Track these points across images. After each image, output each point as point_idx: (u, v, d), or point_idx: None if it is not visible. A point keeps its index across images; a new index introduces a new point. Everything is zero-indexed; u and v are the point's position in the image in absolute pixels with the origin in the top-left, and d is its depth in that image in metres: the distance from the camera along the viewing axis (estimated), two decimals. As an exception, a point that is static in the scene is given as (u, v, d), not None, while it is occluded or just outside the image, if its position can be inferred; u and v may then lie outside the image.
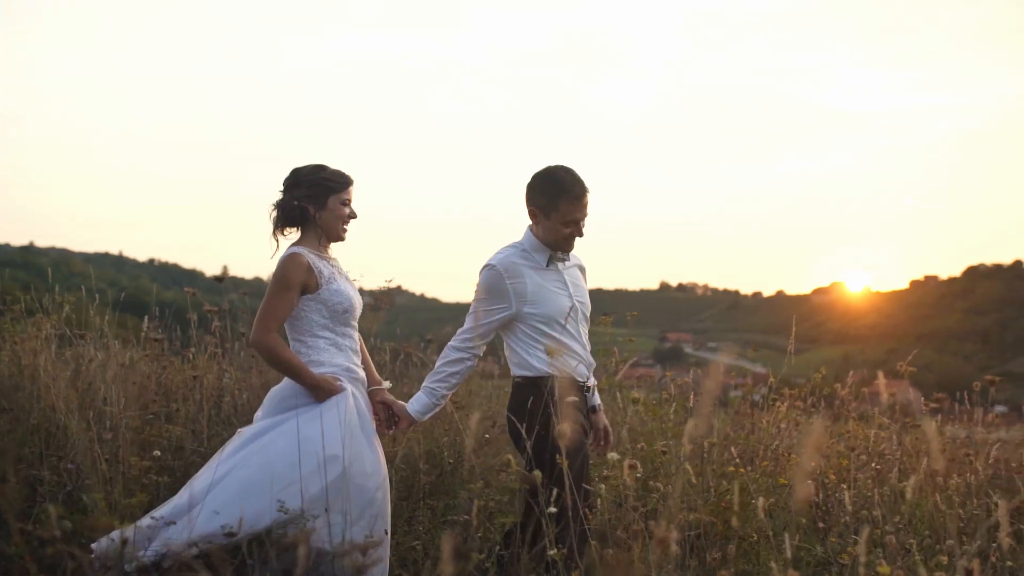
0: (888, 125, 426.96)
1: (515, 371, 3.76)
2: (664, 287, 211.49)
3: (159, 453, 4.22)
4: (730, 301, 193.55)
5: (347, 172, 3.70)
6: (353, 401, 3.51)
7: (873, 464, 4.80)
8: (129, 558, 3.06)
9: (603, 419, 3.93)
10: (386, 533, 3.46)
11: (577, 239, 3.77)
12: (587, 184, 3.72)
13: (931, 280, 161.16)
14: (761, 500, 1.83)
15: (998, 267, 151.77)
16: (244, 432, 3.56)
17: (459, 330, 3.81)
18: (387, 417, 3.74)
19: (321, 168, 3.65)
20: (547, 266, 3.73)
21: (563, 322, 3.70)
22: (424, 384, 3.79)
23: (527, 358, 3.71)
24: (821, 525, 4.13)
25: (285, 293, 3.49)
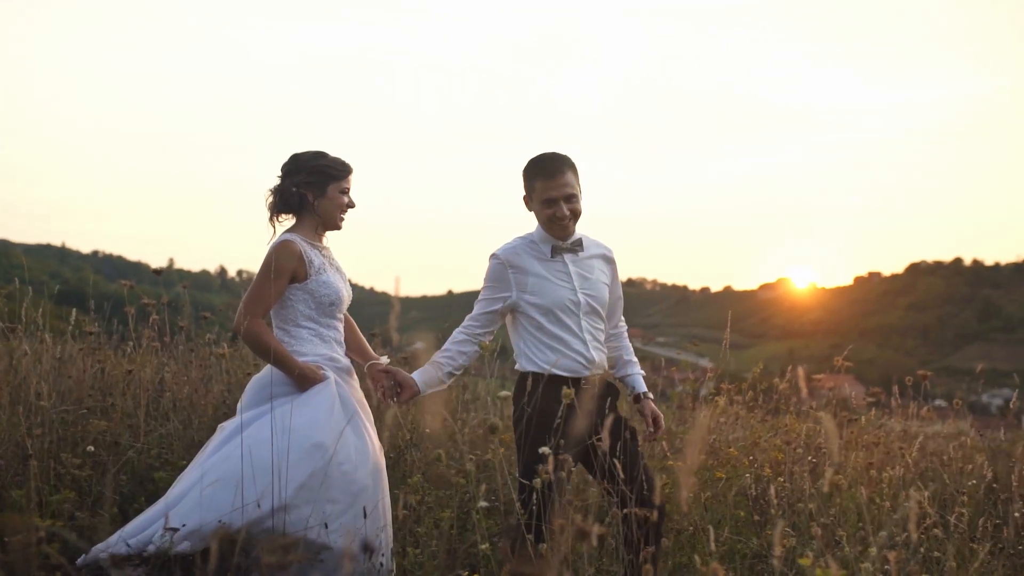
0: (835, 123, 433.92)
1: (516, 362, 3.76)
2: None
3: (92, 449, 4.15)
4: (678, 296, 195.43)
5: (347, 160, 3.64)
6: (336, 389, 3.46)
7: (809, 458, 4.88)
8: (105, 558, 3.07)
9: (650, 406, 3.77)
10: (385, 526, 3.42)
11: (563, 227, 3.61)
12: (568, 162, 3.60)
13: (875, 276, 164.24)
14: (684, 493, 1.85)
15: (939, 264, 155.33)
16: (225, 427, 3.53)
17: (467, 316, 3.78)
18: (391, 386, 3.62)
19: (322, 155, 3.60)
20: (552, 256, 3.66)
21: (560, 314, 3.62)
22: (432, 358, 3.71)
23: (525, 350, 3.68)
24: (757, 518, 4.18)
25: (274, 281, 3.43)
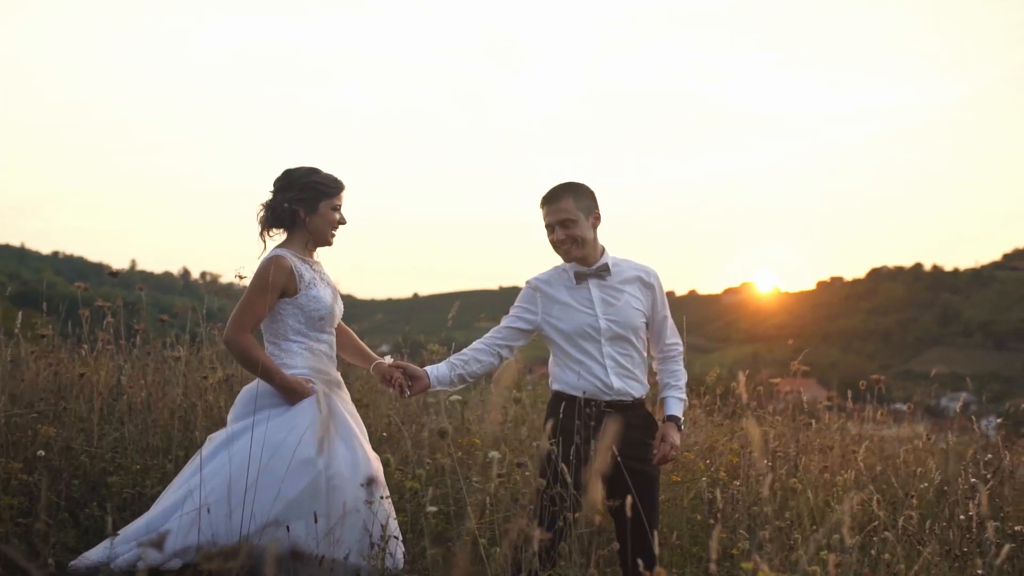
0: (798, 128, 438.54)
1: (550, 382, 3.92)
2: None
3: (43, 453, 4.10)
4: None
5: (339, 177, 3.68)
6: (326, 402, 3.48)
7: (765, 461, 4.92)
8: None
9: (664, 429, 3.76)
10: (397, 539, 3.41)
11: (565, 251, 3.73)
12: (571, 188, 3.72)
13: (837, 281, 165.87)
14: (629, 498, 1.87)
15: (900, 269, 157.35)
16: (215, 438, 3.53)
17: (492, 328, 3.91)
18: (402, 379, 3.64)
19: (314, 171, 3.62)
20: (578, 283, 3.77)
21: (580, 340, 3.73)
22: (448, 359, 3.81)
23: (553, 370, 3.85)
24: (712, 522, 4.21)
25: (264, 295, 3.46)
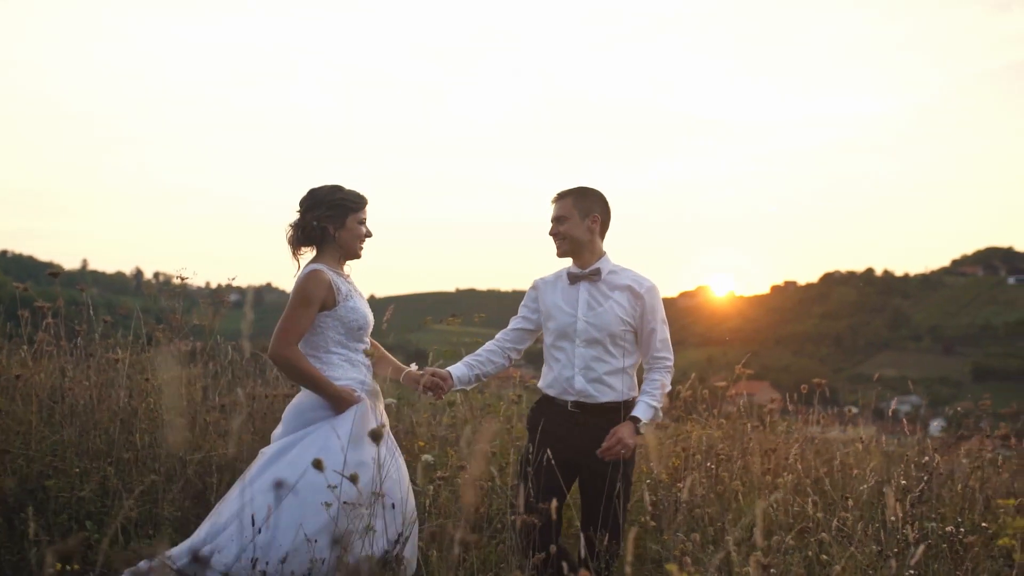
0: (752, 135, 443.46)
1: None
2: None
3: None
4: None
5: (362, 192, 3.82)
6: (371, 413, 3.64)
7: (708, 464, 4.98)
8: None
9: (621, 428, 3.83)
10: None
11: (557, 245, 4.02)
12: (574, 192, 4.00)
13: (791, 285, 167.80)
14: (555, 501, 1.88)
15: (852, 274, 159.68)
16: (266, 452, 3.58)
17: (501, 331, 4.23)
18: (431, 382, 3.87)
19: (338, 188, 3.77)
20: (571, 284, 4.00)
21: (561, 339, 3.95)
22: (464, 359, 4.11)
23: (543, 368, 4.09)
24: (653, 524, 4.25)
25: (306, 308, 3.59)
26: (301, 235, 3.77)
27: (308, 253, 3.81)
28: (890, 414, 5.22)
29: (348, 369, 3.68)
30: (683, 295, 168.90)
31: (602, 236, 4.05)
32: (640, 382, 4.03)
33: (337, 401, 3.57)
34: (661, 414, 3.86)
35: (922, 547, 2.44)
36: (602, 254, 4.01)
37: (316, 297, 3.60)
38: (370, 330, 3.83)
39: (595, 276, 3.94)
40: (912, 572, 3.43)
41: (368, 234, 3.84)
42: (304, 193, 3.80)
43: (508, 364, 4.18)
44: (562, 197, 4.00)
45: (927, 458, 4.77)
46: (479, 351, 4.13)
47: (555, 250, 4.05)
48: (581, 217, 3.94)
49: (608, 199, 4.07)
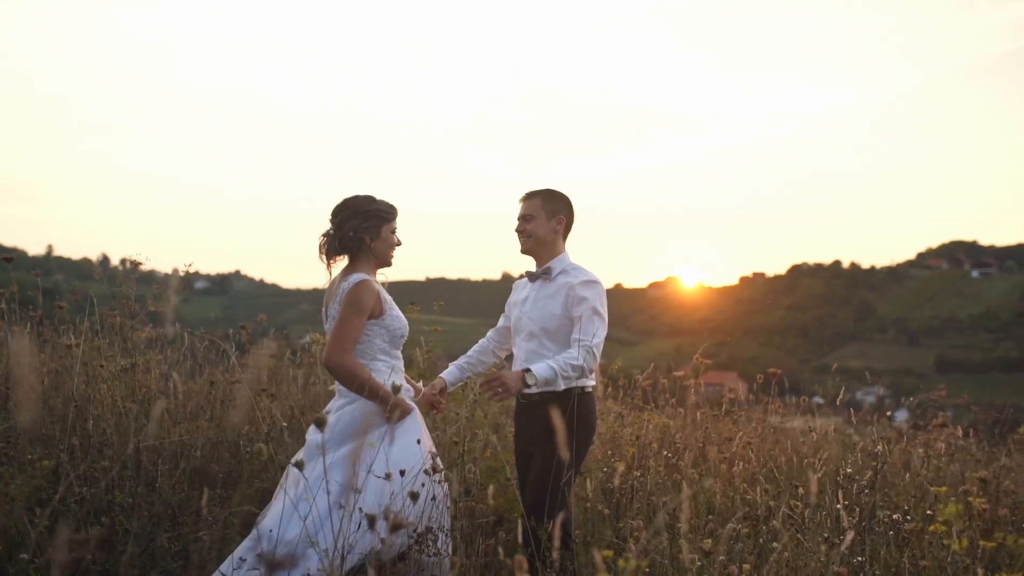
0: (720, 128, 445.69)
1: None
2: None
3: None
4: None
5: (392, 202, 3.93)
6: (420, 422, 3.76)
7: (664, 452, 5.02)
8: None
9: (508, 372, 3.84)
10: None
11: (521, 242, 4.14)
12: (540, 193, 4.12)
13: (759, 277, 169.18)
14: (492, 487, 1.88)
15: (819, 266, 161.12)
16: (327, 455, 3.58)
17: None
18: (429, 400, 4.12)
19: (371, 199, 3.86)
20: (531, 282, 4.14)
21: (514, 334, 4.16)
22: (457, 361, 4.35)
23: None
24: (607, 512, 4.28)
25: (359, 317, 3.68)
26: (337, 244, 3.84)
27: (340, 262, 3.90)
28: (839, 402, 5.26)
29: (393, 376, 3.77)
30: (652, 285, 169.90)
31: (564, 237, 4.18)
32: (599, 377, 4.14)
33: (394, 408, 3.65)
34: (562, 382, 3.79)
35: (851, 533, 2.47)
36: (561, 253, 4.13)
37: (368, 306, 3.70)
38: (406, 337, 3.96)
39: (546, 275, 4.07)
40: (859, 559, 3.48)
41: (399, 242, 3.94)
42: (338, 203, 3.88)
43: (498, 361, 4.37)
44: (531, 197, 4.12)
45: (879, 448, 4.84)
46: (470, 352, 4.35)
47: (519, 246, 4.18)
48: (547, 217, 4.09)
49: (573, 202, 4.20)
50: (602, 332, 3.92)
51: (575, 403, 3.86)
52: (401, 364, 3.90)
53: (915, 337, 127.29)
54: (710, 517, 4.68)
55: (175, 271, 5.02)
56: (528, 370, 3.76)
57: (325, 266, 3.88)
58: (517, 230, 4.14)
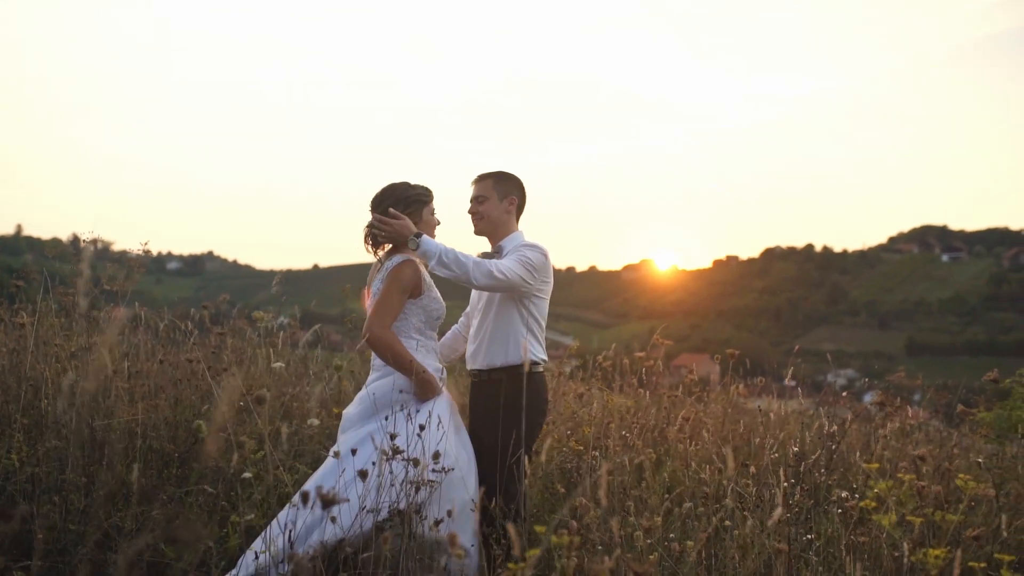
0: (695, 113, 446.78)
1: None
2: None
3: None
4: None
5: (427, 185, 4.09)
6: (447, 403, 3.90)
7: (623, 432, 5.04)
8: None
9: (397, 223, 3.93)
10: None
11: (475, 223, 4.21)
12: (492, 175, 4.17)
13: (732, 260, 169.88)
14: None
15: (792, 250, 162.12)
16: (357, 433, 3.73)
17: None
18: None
19: (408, 185, 4.01)
20: None
21: (472, 314, 4.29)
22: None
23: None
24: (563, 491, 4.31)
25: (401, 295, 3.84)
26: (384, 233, 3.95)
27: (386, 247, 4.06)
28: (788, 381, 5.32)
29: (425, 355, 3.91)
30: (627, 268, 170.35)
31: (518, 217, 4.22)
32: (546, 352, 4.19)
33: (425, 386, 3.79)
34: (436, 264, 3.79)
35: (779, 509, 2.51)
36: (514, 232, 4.18)
37: (410, 285, 3.85)
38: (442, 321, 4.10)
39: (497, 253, 4.11)
40: (808, 536, 3.53)
41: (438, 222, 4.09)
42: (376, 194, 4.02)
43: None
44: (482, 179, 4.17)
45: (835, 428, 4.90)
46: (443, 339, 4.43)
47: (472, 228, 4.21)
48: (500, 198, 4.13)
49: (525, 184, 4.25)
50: (516, 268, 3.89)
51: (524, 382, 3.90)
52: (435, 345, 4.06)
53: (886, 320, 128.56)
54: (667, 496, 4.73)
55: (136, 251, 4.98)
56: (420, 234, 3.85)
57: (373, 254, 4.07)
58: (470, 212, 4.18)
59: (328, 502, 2.17)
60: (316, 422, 2.97)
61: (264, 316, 3.78)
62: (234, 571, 3.38)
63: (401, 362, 3.77)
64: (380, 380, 3.87)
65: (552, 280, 4.18)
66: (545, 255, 4.05)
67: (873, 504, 2.78)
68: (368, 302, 4.00)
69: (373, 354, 3.95)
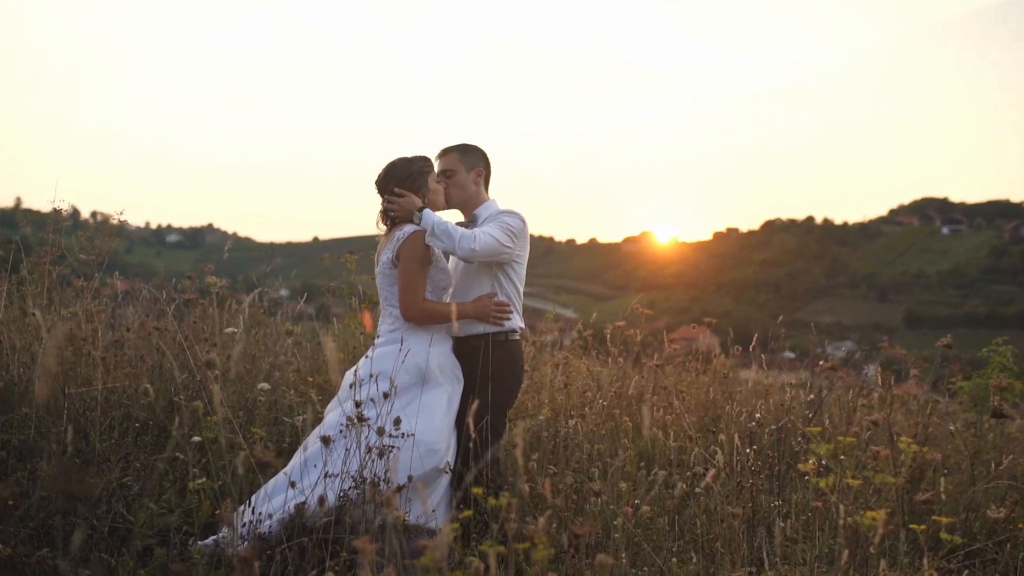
0: (695, 84, 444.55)
1: None
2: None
3: None
4: (545, 247, 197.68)
5: (424, 154, 4.13)
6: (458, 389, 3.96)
7: (600, 401, 5.06)
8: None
9: (405, 201, 4.04)
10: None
11: (455, 195, 4.21)
12: (458, 148, 4.22)
13: (732, 232, 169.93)
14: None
15: (792, 222, 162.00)
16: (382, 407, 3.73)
17: None
18: None
19: (408, 160, 4.07)
20: None
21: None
22: None
23: None
24: (534, 458, 4.32)
25: (422, 267, 3.91)
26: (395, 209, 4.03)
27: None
28: (760, 348, 5.31)
29: (434, 327, 3.95)
30: (627, 240, 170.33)
31: (486, 187, 4.27)
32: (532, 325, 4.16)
33: (479, 314, 3.95)
34: (435, 232, 3.87)
35: (712, 471, 2.51)
36: (487, 201, 4.22)
37: (423, 254, 3.89)
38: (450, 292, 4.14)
39: (473, 223, 4.13)
40: (778, 503, 3.54)
41: (442, 182, 4.15)
42: (380, 174, 4.07)
43: None
44: (447, 152, 4.21)
45: (812, 396, 4.91)
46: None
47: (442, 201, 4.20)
48: (467, 170, 4.17)
49: (489, 155, 4.29)
50: (498, 235, 3.94)
51: (496, 348, 3.93)
52: None
53: (885, 293, 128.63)
54: (642, 464, 4.74)
55: (108, 218, 4.95)
56: (423, 208, 3.94)
57: (387, 229, 4.08)
58: (438, 184, 4.16)
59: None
60: (266, 386, 2.96)
61: (217, 282, 3.73)
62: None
63: (447, 316, 3.88)
64: (383, 348, 3.91)
65: (528, 246, 4.19)
66: (523, 221, 4.10)
67: (812, 467, 2.79)
68: (376, 269, 4.06)
69: (380, 321, 4.05)
